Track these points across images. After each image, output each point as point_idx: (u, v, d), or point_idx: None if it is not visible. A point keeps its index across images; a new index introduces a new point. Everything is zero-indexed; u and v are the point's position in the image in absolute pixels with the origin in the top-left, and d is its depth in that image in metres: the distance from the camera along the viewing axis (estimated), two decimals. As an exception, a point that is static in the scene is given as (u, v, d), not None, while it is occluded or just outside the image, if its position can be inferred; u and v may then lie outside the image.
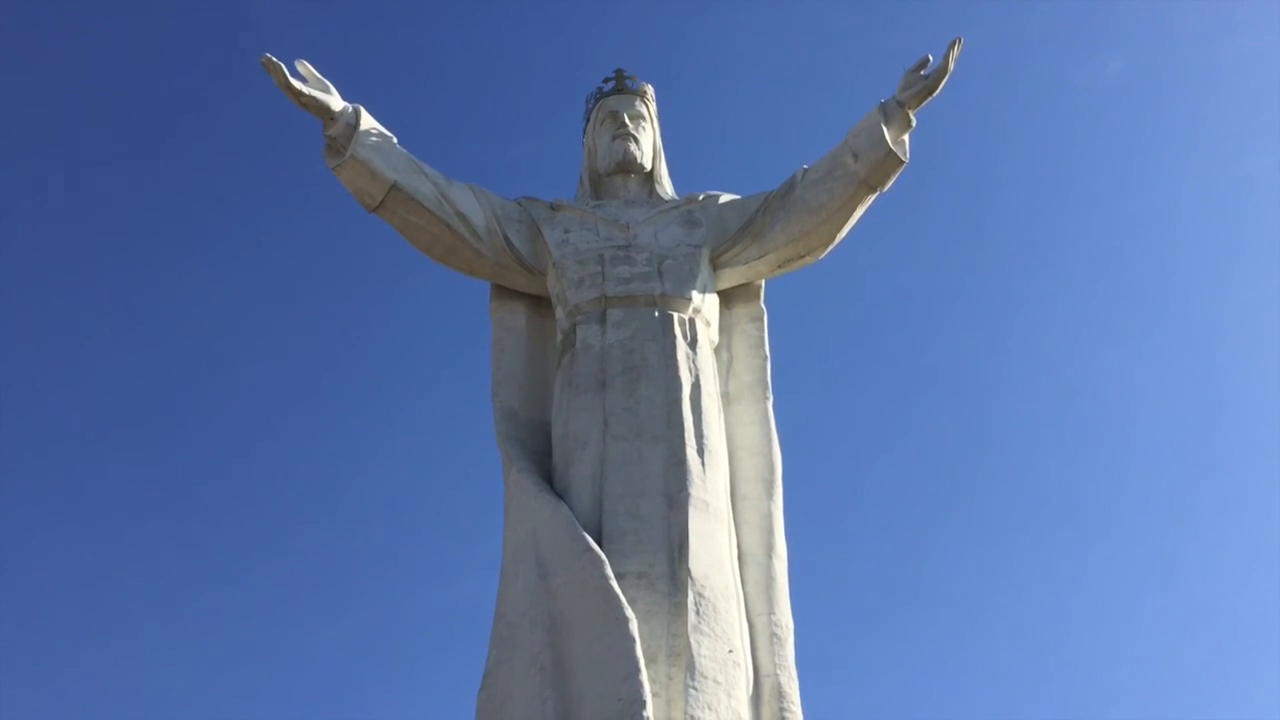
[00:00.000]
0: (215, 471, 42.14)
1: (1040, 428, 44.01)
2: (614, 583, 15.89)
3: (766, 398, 19.58)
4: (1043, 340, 44.72)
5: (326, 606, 41.41)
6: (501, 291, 20.51)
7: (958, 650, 41.84)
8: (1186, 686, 42.05)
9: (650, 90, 21.76)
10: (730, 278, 20.30)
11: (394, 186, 19.50)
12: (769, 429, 19.25)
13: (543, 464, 18.37)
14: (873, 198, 19.89)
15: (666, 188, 21.39)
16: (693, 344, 18.85)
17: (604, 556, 16.21)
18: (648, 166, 21.31)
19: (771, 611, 17.46)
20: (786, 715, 16.51)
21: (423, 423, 43.21)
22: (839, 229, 20.01)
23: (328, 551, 42.17)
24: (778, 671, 16.88)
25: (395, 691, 40.53)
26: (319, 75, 19.37)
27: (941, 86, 19.33)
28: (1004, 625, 42.15)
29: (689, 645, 15.84)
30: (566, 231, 20.12)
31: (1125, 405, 43.93)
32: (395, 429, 43.17)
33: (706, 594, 16.42)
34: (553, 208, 20.63)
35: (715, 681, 15.79)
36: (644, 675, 15.08)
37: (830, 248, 20.24)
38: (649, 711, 14.80)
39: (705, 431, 18.02)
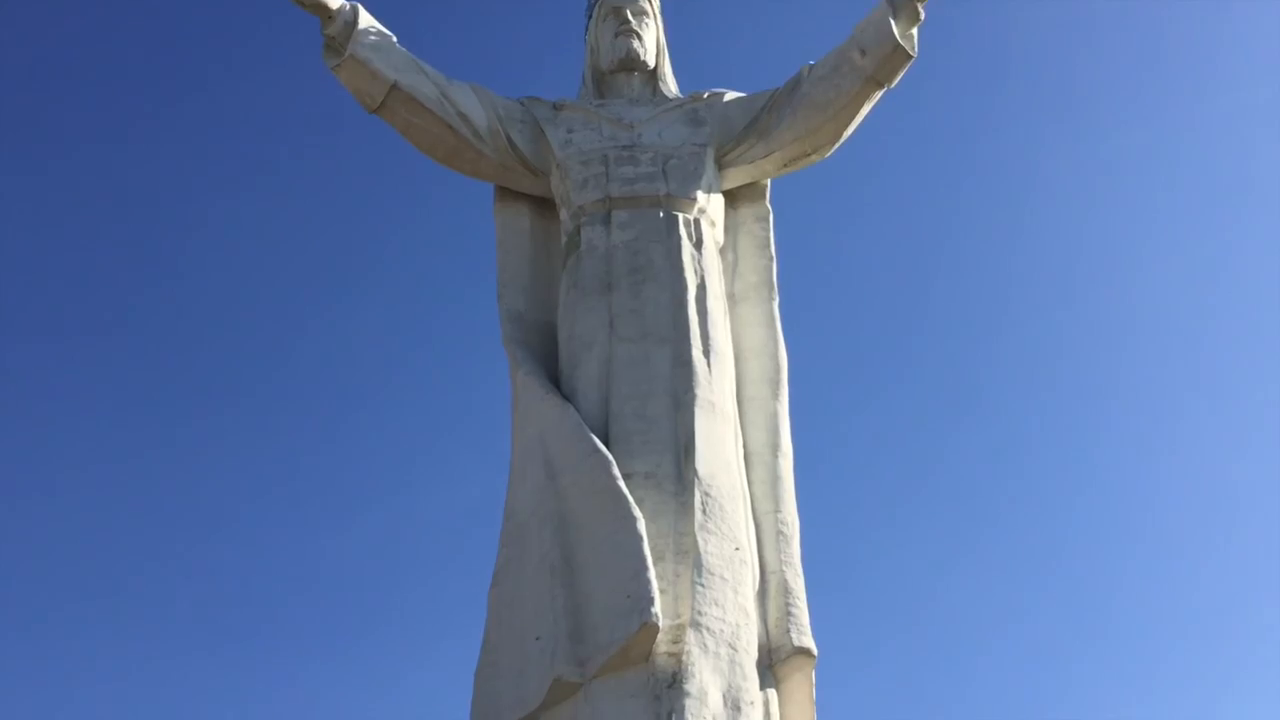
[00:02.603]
0: (228, 379, 42.34)
1: (1049, 320, 43.91)
2: (621, 482, 16.03)
3: (772, 298, 19.53)
4: (1049, 234, 44.46)
5: (338, 511, 42.00)
6: (505, 193, 20.35)
7: (965, 547, 42.30)
8: (1192, 577, 42.53)
9: (654, -15, 21.40)
10: (736, 177, 20.11)
11: (394, 86, 19.26)
12: (775, 329, 19.23)
13: (549, 366, 18.40)
14: (880, 94, 19.63)
15: (670, 86, 21.10)
16: (698, 245, 18.73)
17: (611, 457, 16.33)
18: (651, 64, 21.01)
19: (778, 510, 17.61)
20: (792, 611, 16.73)
21: (429, 323, 43.36)
22: (845, 126, 19.78)
23: (339, 457, 42.62)
24: (784, 568, 17.06)
25: (408, 591, 41.23)
26: (316, -27, 19.01)
27: (950, -21, 18.97)
28: (1013, 523, 42.57)
29: (696, 543, 16.01)
30: (570, 131, 19.89)
31: (1128, 287, 43.65)
32: (403, 332, 43.36)
33: (713, 493, 16.56)
34: (556, 107, 20.37)
35: (722, 579, 15.98)
36: (652, 573, 15.30)
37: (837, 145, 20.04)
38: (657, 608, 15.02)
39: (711, 332, 18.01)
